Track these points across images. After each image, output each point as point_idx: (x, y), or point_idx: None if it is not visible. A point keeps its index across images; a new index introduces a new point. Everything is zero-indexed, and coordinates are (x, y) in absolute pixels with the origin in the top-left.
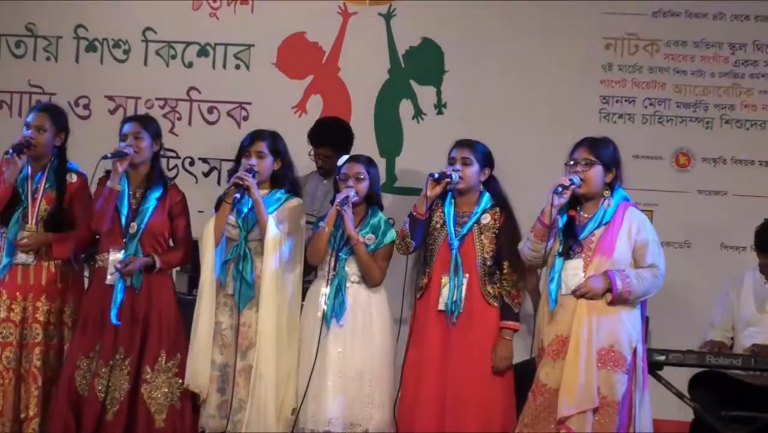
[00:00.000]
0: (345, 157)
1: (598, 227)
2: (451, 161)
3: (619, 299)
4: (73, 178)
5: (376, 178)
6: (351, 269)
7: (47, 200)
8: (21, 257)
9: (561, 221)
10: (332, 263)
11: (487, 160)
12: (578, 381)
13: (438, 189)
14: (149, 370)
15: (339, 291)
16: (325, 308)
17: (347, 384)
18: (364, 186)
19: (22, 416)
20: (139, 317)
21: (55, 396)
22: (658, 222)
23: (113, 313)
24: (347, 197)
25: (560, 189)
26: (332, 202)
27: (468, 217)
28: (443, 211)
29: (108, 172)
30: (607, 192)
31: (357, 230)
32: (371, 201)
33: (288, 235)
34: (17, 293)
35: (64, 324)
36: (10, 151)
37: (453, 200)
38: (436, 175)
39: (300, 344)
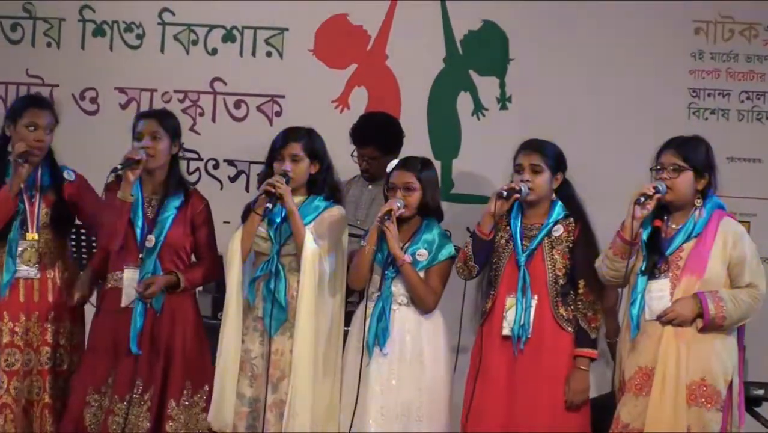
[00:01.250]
0: (394, 162)
1: (687, 240)
2: (518, 168)
3: (712, 325)
4: (71, 176)
5: (433, 184)
6: (398, 288)
7: (46, 203)
8: (23, 270)
9: (644, 233)
10: (378, 283)
11: (558, 163)
12: (665, 420)
13: (506, 206)
14: (174, 405)
15: (383, 314)
16: (367, 333)
17: (392, 423)
18: (415, 198)
19: None
20: (160, 345)
21: None
22: (757, 234)
23: (133, 341)
24: (391, 211)
25: (643, 199)
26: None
27: (538, 229)
28: (509, 224)
29: (118, 177)
30: (699, 201)
31: (406, 246)
32: (427, 212)
33: (328, 250)
34: (20, 313)
35: (75, 348)
36: (18, 159)
37: (520, 212)
38: (505, 193)
39: (343, 377)
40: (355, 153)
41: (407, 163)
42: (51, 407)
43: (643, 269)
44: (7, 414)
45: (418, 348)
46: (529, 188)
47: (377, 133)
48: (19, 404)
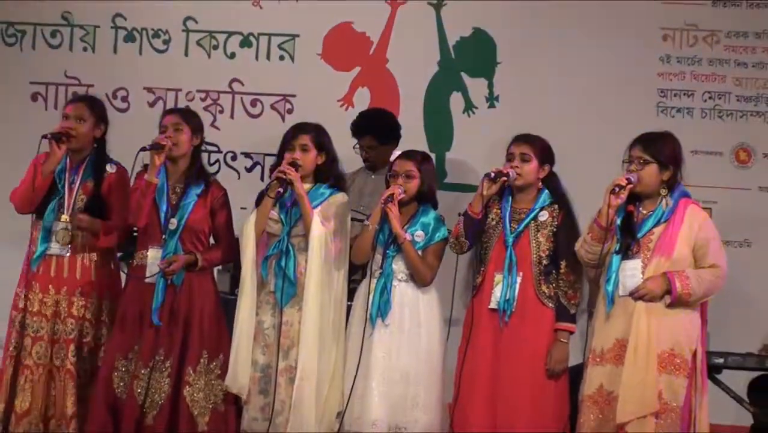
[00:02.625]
0: (397, 153)
1: (657, 225)
2: (509, 157)
3: (679, 301)
4: (113, 168)
5: (431, 175)
6: (398, 266)
7: (84, 190)
8: (55, 248)
9: (618, 217)
10: (380, 261)
11: (546, 156)
12: (637, 385)
13: (494, 188)
14: (191, 372)
15: (384, 289)
16: (371, 306)
17: (392, 386)
18: (414, 185)
19: (50, 413)
20: (179, 317)
21: (93, 398)
22: (717, 220)
23: (154, 313)
24: (393, 195)
25: (617, 190)
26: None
27: (525, 214)
28: (500, 208)
29: (146, 166)
30: (664, 191)
31: (405, 228)
32: (424, 199)
33: (333, 231)
34: (50, 286)
35: (101, 322)
36: (48, 135)
37: (510, 197)
38: (493, 175)
39: (347, 345)
40: (357, 146)
41: (409, 154)
42: (72, 373)
43: (617, 249)
44: (27, 375)
45: (416, 320)
46: (517, 174)
47: (373, 125)
48: (41, 368)
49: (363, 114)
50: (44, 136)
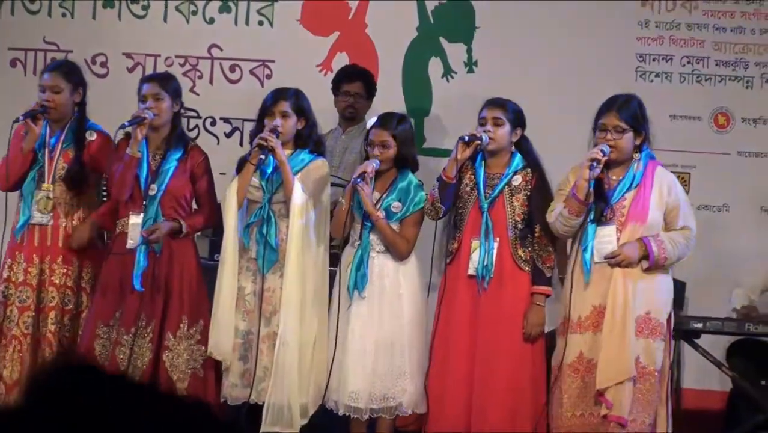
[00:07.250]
0: (373, 120)
1: (628, 190)
2: (482, 122)
3: (655, 265)
4: (93, 135)
5: (408, 138)
6: (376, 238)
7: (65, 159)
8: (37, 217)
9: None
10: (359, 231)
11: (518, 119)
12: (615, 351)
13: (468, 152)
14: (171, 337)
15: (361, 263)
16: (348, 279)
17: (377, 357)
18: (390, 153)
19: None
20: (160, 283)
21: None
22: (696, 185)
23: (136, 279)
24: (365, 173)
25: (595, 164)
26: (364, 159)
27: (499, 179)
28: (473, 174)
29: (128, 135)
30: (637, 155)
31: (383, 197)
32: (403, 164)
33: (314, 198)
34: (34, 255)
35: (81, 290)
36: (21, 118)
37: (483, 162)
38: (467, 138)
39: (329, 314)
40: (340, 93)
41: (384, 122)
42: (50, 341)
43: (591, 218)
44: (15, 345)
45: (396, 291)
46: (490, 138)
47: (363, 73)
48: (28, 338)
49: (348, 65)
50: (15, 121)
